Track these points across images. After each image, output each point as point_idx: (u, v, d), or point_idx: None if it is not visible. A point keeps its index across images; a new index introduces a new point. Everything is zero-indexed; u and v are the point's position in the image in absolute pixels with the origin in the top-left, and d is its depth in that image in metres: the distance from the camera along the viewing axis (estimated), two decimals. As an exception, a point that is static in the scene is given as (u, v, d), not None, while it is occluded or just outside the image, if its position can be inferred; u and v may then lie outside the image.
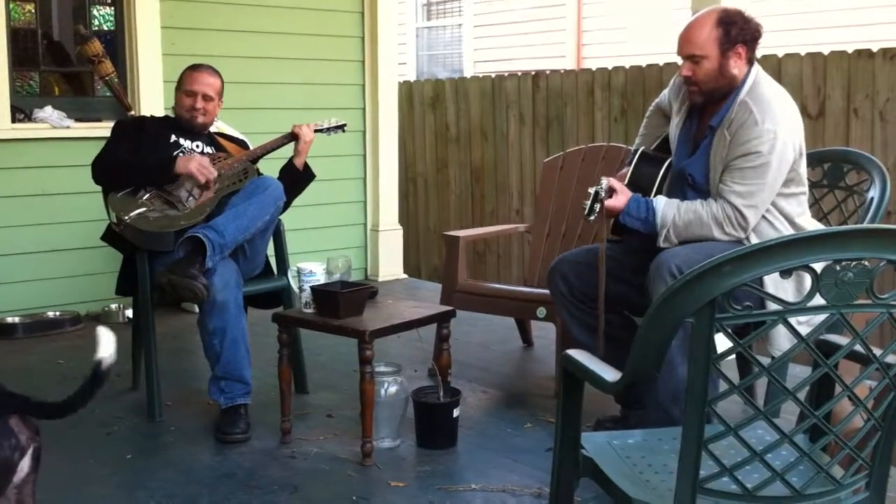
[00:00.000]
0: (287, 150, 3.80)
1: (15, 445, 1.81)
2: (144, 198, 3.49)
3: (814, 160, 3.41)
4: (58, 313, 4.94)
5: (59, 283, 5.05)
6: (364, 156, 6.27)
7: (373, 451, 3.06)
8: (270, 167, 3.85)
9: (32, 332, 4.74)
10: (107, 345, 1.93)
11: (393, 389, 3.21)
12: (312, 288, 3.21)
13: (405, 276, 6.39)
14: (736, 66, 2.92)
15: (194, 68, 3.71)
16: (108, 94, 5.20)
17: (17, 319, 4.80)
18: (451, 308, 3.46)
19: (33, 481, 1.89)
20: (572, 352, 2.04)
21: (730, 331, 1.63)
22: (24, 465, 1.84)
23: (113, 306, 5.03)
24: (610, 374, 1.90)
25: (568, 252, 3.43)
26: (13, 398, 1.86)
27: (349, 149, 6.10)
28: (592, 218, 2.99)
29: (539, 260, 4.16)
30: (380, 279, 6.11)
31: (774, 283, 2.67)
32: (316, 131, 3.82)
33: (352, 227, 6.26)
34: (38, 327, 4.79)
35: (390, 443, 3.20)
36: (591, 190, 2.95)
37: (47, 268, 5.02)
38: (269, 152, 3.76)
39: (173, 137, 3.68)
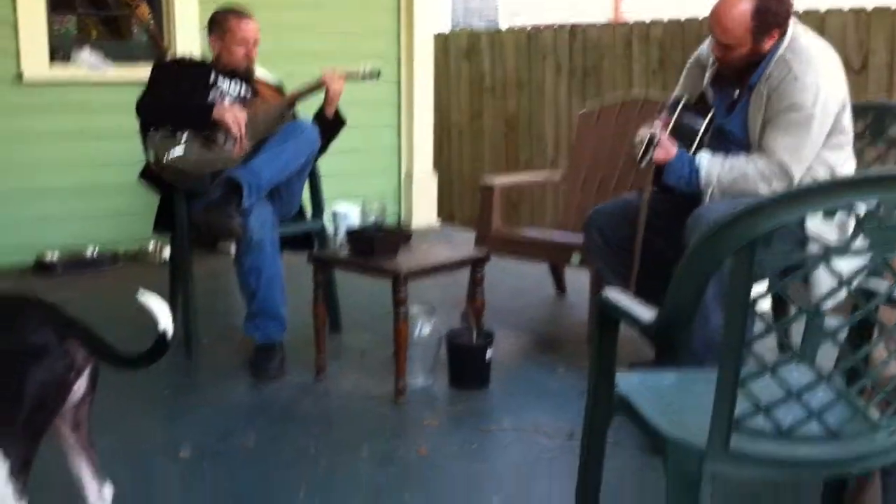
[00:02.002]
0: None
1: (70, 365, 1.82)
2: (183, 139, 3.51)
3: (856, 112, 3.36)
4: (97, 252, 5.00)
5: (98, 222, 5.12)
6: (399, 104, 6.26)
7: (406, 390, 3.10)
8: (305, 112, 3.86)
9: (72, 269, 4.82)
10: (164, 317, 1.95)
11: (426, 330, 3.24)
12: (348, 229, 3.24)
13: (439, 223, 6.41)
14: (768, 44, 2.88)
15: (239, 16, 3.69)
16: (144, 37, 5.22)
17: (56, 257, 4.87)
18: (485, 252, 3.47)
19: (90, 402, 1.92)
20: (609, 291, 2.05)
21: (768, 274, 1.62)
22: (81, 385, 1.86)
23: (150, 246, 5.09)
24: (646, 314, 1.91)
25: (604, 203, 3.42)
26: (74, 325, 1.86)
27: (384, 97, 6.09)
28: (644, 164, 2.94)
29: (573, 208, 4.16)
30: (413, 226, 6.13)
31: (816, 227, 2.65)
32: (349, 77, 3.81)
33: (386, 173, 6.27)
34: (77, 265, 4.86)
35: (423, 383, 3.24)
36: (645, 133, 2.89)
37: (87, 207, 5.08)
38: (302, 97, 3.76)
39: (212, 78, 3.70)
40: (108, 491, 2.03)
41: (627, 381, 2.14)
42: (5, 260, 4.81)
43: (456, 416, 3.02)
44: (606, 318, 2.07)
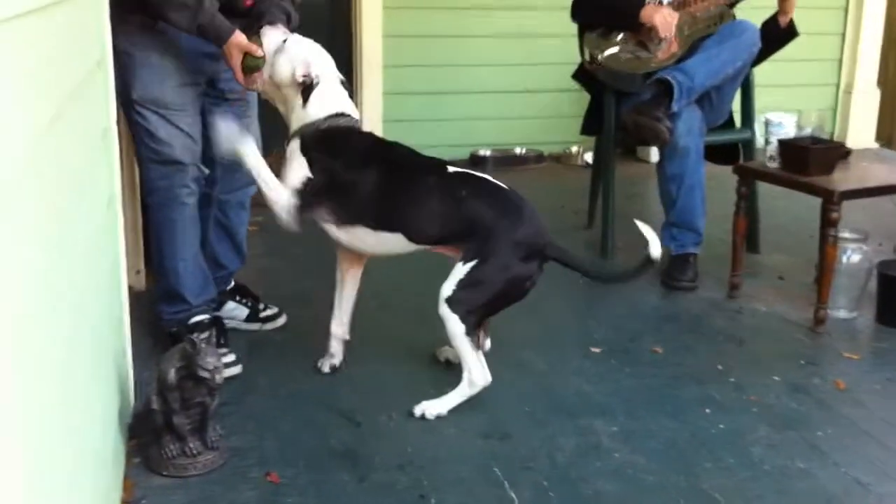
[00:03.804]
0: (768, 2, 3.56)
1: (535, 281, 2.35)
2: (618, 38, 3.51)
3: None
4: (524, 150, 5.24)
5: (526, 123, 5.33)
6: (846, 9, 5.74)
7: (826, 319, 2.91)
8: (750, 18, 3.66)
9: (501, 165, 5.09)
10: (655, 245, 2.34)
11: (856, 258, 3.00)
12: (780, 141, 3.06)
13: (876, 144, 5.86)
14: None
15: None
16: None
17: (488, 152, 5.18)
18: (938, 178, 3.11)
19: None
20: None
21: None
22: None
23: (573, 149, 5.22)
24: None
25: None
26: (552, 248, 2.35)
27: (829, 1, 5.61)
28: None
29: None
30: (848, 146, 5.65)
31: None
32: (801, -23, 3.54)
33: (823, 86, 5.82)
34: (505, 161, 5.14)
35: (846, 314, 3.01)
36: None
37: (516, 107, 5.31)
38: (746, -3, 3.57)
39: (651, -24, 3.63)
40: (487, 343, 2.53)
41: None
42: (443, 153, 5.19)
43: (881, 353, 2.79)
44: None
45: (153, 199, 2.61)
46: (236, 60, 2.40)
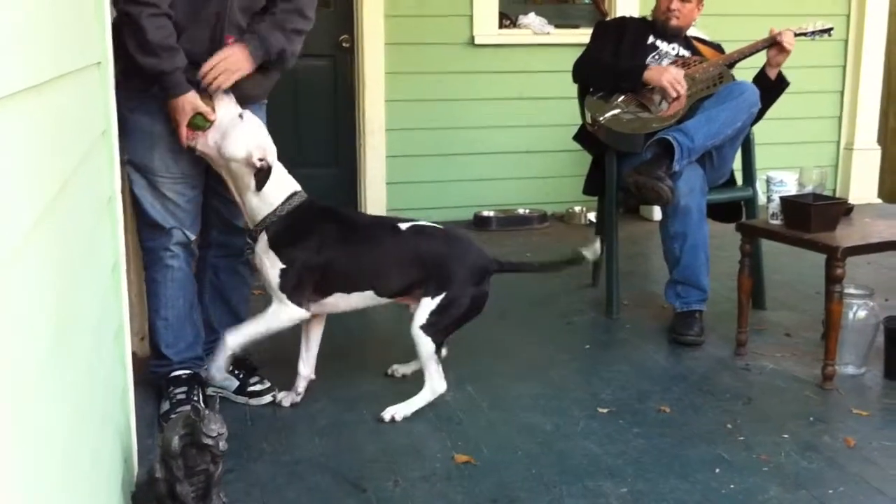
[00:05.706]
0: (761, 59, 3.62)
1: (486, 295, 2.72)
2: (619, 100, 3.55)
3: None
4: (527, 211, 5.27)
5: (530, 183, 5.38)
6: (844, 67, 5.80)
7: (834, 375, 2.90)
8: (743, 76, 3.70)
9: (505, 225, 5.13)
10: (595, 249, 2.91)
11: (862, 314, 2.99)
12: (782, 198, 3.07)
13: (878, 200, 5.88)
14: None
15: None
16: (586, 0, 5.34)
17: (492, 213, 5.21)
18: (941, 233, 3.11)
19: None
20: None
21: None
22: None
23: (576, 208, 5.26)
24: None
25: None
26: (500, 263, 2.78)
27: (828, 59, 5.69)
28: None
29: None
30: (850, 202, 5.67)
31: None
32: (800, 35, 3.60)
33: (823, 143, 5.87)
34: (509, 222, 5.16)
35: (854, 370, 3.00)
36: None
37: (520, 168, 5.37)
38: (746, 57, 3.62)
39: (651, 39, 3.68)
40: (443, 351, 2.76)
41: None
42: (448, 215, 5.23)
43: (891, 410, 2.76)
44: None
45: (143, 258, 2.70)
46: (185, 115, 2.43)
